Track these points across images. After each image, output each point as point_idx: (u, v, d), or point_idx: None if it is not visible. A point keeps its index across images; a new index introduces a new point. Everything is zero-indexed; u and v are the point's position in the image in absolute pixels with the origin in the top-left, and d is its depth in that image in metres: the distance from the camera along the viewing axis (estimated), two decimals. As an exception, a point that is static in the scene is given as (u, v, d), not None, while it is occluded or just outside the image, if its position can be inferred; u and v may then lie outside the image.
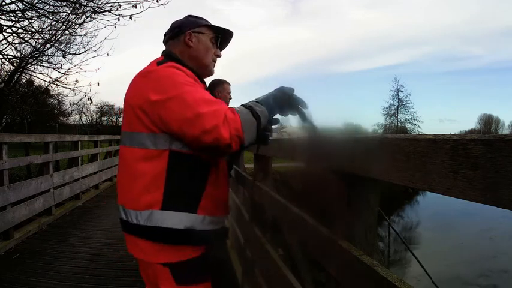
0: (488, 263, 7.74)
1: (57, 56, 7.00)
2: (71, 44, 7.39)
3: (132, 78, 1.08)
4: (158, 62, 1.05)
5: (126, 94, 1.07)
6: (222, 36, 1.21)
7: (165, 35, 1.20)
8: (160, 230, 0.99)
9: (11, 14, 5.63)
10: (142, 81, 1.02)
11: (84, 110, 22.85)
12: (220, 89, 2.31)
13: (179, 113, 0.93)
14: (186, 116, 0.92)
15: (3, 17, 5.61)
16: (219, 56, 1.22)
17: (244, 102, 1.02)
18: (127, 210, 1.03)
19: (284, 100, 1.03)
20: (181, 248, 1.02)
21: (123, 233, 1.09)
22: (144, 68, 1.07)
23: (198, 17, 1.20)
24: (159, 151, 0.99)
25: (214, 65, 1.21)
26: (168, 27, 1.20)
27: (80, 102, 10.55)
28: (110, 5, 5.85)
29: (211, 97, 0.98)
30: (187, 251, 1.03)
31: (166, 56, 1.14)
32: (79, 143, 5.73)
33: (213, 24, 1.20)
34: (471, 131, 38.55)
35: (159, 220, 0.99)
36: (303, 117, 1.04)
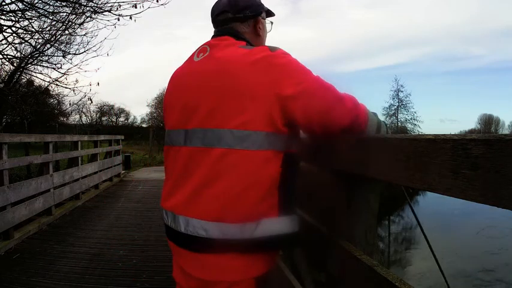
0: (489, 259, 7.77)
1: (57, 56, 7.00)
2: (71, 44, 7.40)
3: (214, 58, 0.89)
4: (270, 48, 0.88)
5: (219, 79, 0.86)
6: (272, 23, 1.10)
7: (223, 11, 0.99)
8: (276, 238, 0.88)
9: (11, 14, 5.64)
10: (265, 69, 0.84)
11: (84, 110, 22.82)
12: None
13: (323, 97, 0.86)
14: (331, 99, 0.87)
15: (3, 17, 5.62)
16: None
17: None
18: (230, 225, 0.84)
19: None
20: (271, 256, 0.94)
21: (192, 254, 0.90)
22: (250, 51, 0.88)
23: None
24: (275, 152, 0.86)
25: None
26: (226, 2, 0.99)
27: (80, 102, 10.53)
28: (110, 5, 5.85)
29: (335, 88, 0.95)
30: (273, 259, 0.96)
31: (239, 39, 0.96)
32: (79, 143, 5.73)
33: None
34: (471, 131, 38.56)
35: (276, 228, 0.87)
36: None
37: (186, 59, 1.02)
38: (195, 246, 0.88)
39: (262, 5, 1.04)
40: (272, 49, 0.88)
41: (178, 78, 1.00)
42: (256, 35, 1.02)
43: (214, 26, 1.03)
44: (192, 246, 0.88)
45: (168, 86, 1.05)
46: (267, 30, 1.08)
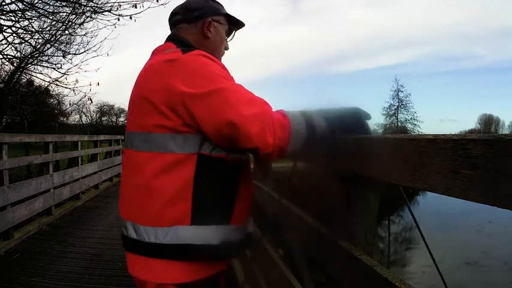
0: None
1: (57, 56, 7.00)
2: (71, 44, 7.40)
3: (144, 67, 0.92)
4: (183, 50, 0.86)
5: (138, 86, 0.89)
6: (236, 29, 1.09)
7: (175, 13, 1.01)
8: (191, 247, 0.83)
9: (11, 14, 5.64)
10: (166, 71, 0.83)
11: (84, 110, 22.88)
12: None
13: (218, 112, 0.78)
14: (226, 117, 0.77)
15: (3, 17, 5.62)
16: (227, 49, 1.08)
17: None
18: (142, 227, 0.85)
19: (352, 125, 0.87)
20: (205, 265, 0.87)
21: (126, 253, 0.91)
22: (165, 55, 0.87)
23: (218, 2, 1.04)
24: (185, 155, 0.82)
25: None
26: (179, 5, 1.02)
27: (80, 102, 10.54)
28: (110, 5, 5.85)
29: (255, 95, 0.84)
30: (209, 268, 0.88)
31: (179, 43, 0.94)
32: (79, 143, 5.73)
33: (229, 13, 1.05)
34: (471, 131, 38.56)
35: (189, 237, 0.83)
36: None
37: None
38: (124, 243, 0.91)
39: (216, 8, 1.03)
40: (184, 51, 0.85)
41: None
42: (205, 37, 1.00)
43: (170, 29, 1.05)
44: (123, 242, 0.91)
45: None
46: (226, 38, 1.07)
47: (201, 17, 0.99)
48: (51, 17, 6.12)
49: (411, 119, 31.69)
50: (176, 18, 1.01)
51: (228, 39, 1.08)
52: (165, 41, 1.00)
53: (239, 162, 0.89)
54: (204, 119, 0.80)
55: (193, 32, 0.99)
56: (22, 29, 5.98)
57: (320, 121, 0.85)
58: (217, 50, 1.03)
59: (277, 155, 0.82)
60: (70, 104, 12.19)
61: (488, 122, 45.77)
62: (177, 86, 0.80)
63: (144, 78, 0.88)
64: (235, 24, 1.08)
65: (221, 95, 0.79)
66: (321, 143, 0.85)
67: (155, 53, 0.96)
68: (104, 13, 5.93)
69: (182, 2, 1.04)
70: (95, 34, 6.78)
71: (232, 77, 0.87)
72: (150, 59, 0.96)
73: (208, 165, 0.84)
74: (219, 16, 1.03)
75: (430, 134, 0.59)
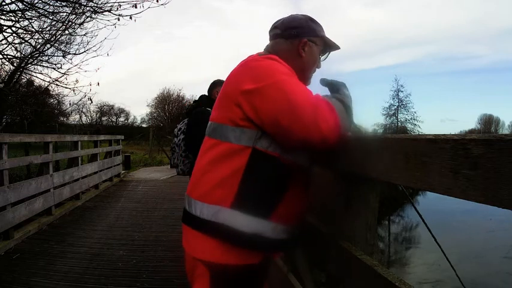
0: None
1: (57, 56, 7.00)
2: (71, 44, 7.39)
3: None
4: (259, 54, 0.99)
5: (224, 84, 1.00)
6: (330, 52, 1.11)
7: (275, 27, 1.07)
8: (225, 228, 0.90)
9: (11, 14, 5.63)
10: (239, 71, 0.96)
11: (84, 110, 22.85)
12: (219, 88, 2.32)
13: (276, 101, 0.85)
14: (283, 105, 0.84)
15: (3, 17, 5.62)
16: (319, 67, 1.10)
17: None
18: (194, 200, 0.96)
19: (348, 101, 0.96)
20: (238, 251, 0.92)
21: (182, 224, 1.02)
22: (246, 59, 0.99)
23: (318, 23, 1.07)
24: (241, 147, 0.90)
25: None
26: (281, 20, 1.07)
27: (80, 102, 10.52)
28: (110, 5, 5.85)
29: (309, 90, 0.91)
30: (243, 256, 0.93)
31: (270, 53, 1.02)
32: (79, 143, 5.73)
33: (327, 36, 1.09)
34: (471, 131, 38.57)
35: (227, 218, 0.90)
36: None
37: None
38: (183, 218, 1.02)
39: (315, 30, 1.06)
40: (260, 55, 0.98)
41: None
42: (298, 56, 1.03)
43: (269, 39, 1.10)
44: (184, 219, 1.01)
45: None
46: (320, 58, 1.09)
47: (297, 36, 1.03)
48: (51, 17, 6.12)
49: (411, 119, 31.68)
50: (275, 32, 1.07)
51: (322, 59, 1.11)
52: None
53: (293, 164, 0.94)
54: (263, 109, 0.87)
55: (287, 49, 1.03)
56: (22, 29, 5.98)
57: (346, 99, 0.94)
58: (307, 68, 1.06)
59: (334, 142, 0.86)
60: (70, 104, 12.19)
61: (488, 122, 45.82)
62: (243, 83, 0.90)
63: (229, 76, 0.99)
64: (330, 46, 1.10)
65: (278, 85, 0.87)
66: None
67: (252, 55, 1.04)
68: (104, 13, 5.93)
69: (286, 17, 1.08)
70: (95, 34, 6.78)
71: (294, 75, 0.94)
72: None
73: (260, 160, 0.91)
74: (316, 37, 1.05)
75: (430, 134, 0.59)
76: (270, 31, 1.09)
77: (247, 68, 0.94)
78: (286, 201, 0.94)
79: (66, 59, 6.87)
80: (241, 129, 0.90)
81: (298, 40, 1.03)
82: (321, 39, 1.07)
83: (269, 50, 1.05)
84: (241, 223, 0.90)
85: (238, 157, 0.90)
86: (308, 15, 1.08)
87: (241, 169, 0.90)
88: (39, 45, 6.72)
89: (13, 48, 6.34)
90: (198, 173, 0.98)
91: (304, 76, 1.05)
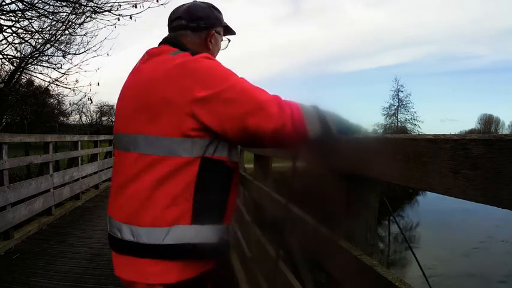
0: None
1: (57, 56, 7.02)
2: (71, 44, 7.42)
3: (144, 70, 0.91)
4: (192, 53, 0.89)
5: (143, 89, 0.88)
6: (230, 41, 1.10)
7: (178, 17, 0.99)
8: (191, 246, 0.86)
9: (11, 14, 5.64)
10: (175, 74, 0.84)
11: (84, 110, 22.79)
12: None
13: (241, 103, 0.82)
14: (250, 105, 0.81)
15: (3, 17, 5.63)
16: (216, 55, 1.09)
17: None
18: (141, 229, 0.86)
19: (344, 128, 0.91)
20: (194, 265, 0.89)
21: (116, 255, 0.94)
22: (173, 58, 0.88)
23: (219, 10, 1.04)
24: (191, 159, 0.85)
25: None
26: (183, 9, 1.00)
27: (80, 102, 10.57)
28: (110, 5, 5.86)
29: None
30: (198, 267, 0.90)
31: (179, 47, 0.93)
32: (79, 143, 5.73)
33: (226, 23, 1.06)
34: (471, 131, 38.57)
35: (189, 236, 0.85)
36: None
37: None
38: (115, 245, 0.93)
39: (220, 20, 1.04)
40: (193, 53, 0.88)
41: (123, 85, 1.02)
42: (206, 48, 1.00)
43: (168, 31, 1.02)
44: (112, 245, 0.93)
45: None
46: (221, 47, 1.08)
47: (206, 29, 1.00)
48: (51, 17, 6.13)
49: (411, 119, 31.71)
50: (179, 22, 0.99)
51: (222, 48, 1.09)
52: (161, 43, 0.99)
53: (235, 164, 0.95)
54: (227, 114, 0.82)
55: (196, 42, 0.99)
56: (22, 29, 5.99)
57: (329, 116, 0.89)
58: None
59: (300, 135, 0.84)
60: (70, 104, 12.23)
61: (488, 122, 45.83)
62: (192, 90, 0.81)
63: (152, 81, 0.87)
64: (230, 33, 1.09)
65: (236, 88, 0.83)
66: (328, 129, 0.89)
67: (151, 55, 0.94)
68: (104, 13, 5.94)
69: (186, 5, 1.01)
70: (95, 34, 6.80)
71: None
72: (146, 61, 0.94)
73: (209, 167, 0.87)
74: (220, 27, 1.04)
75: (430, 134, 0.59)
76: (172, 21, 1.00)
77: (187, 71, 0.84)
78: (230, 202, 0.94)
79: (66, 59, 6.90)
80: (192, 140, 0.84)
81: (206, 32, 1.00)
82: (222, 28, 1.05)
83: (177, 43, 0.96)
84: (206, 235, 0.87)
85: (189, 169, 0.85)
86: (209, 1, 1.04)
87: (192, 182, 0.85)
88: (39, 45, 6.75)
89: (13, 48, 6.37)
90: (139, 197, 0.86)
91: None
